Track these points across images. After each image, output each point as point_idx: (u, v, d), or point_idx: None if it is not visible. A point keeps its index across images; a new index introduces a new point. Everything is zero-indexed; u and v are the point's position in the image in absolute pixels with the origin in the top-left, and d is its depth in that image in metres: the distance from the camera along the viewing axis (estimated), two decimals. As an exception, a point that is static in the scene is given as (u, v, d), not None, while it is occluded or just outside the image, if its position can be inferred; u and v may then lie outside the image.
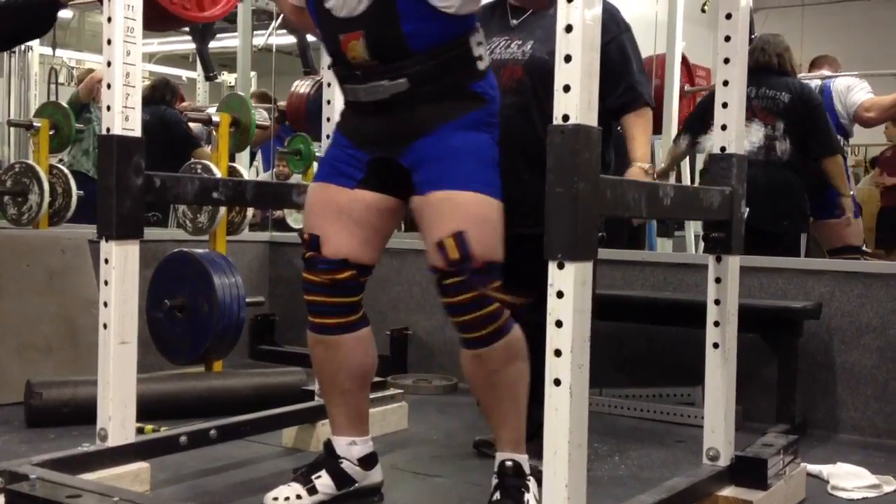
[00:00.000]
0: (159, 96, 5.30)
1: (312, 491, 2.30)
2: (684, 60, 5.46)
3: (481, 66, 2.20)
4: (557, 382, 1.63)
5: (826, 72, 4.75)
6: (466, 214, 2.09)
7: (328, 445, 2.40)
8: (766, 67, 3.92)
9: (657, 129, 5.04)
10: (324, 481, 2.32)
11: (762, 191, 3.51)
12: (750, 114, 3.80)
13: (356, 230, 2.26)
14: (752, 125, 3.91)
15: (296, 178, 5.13)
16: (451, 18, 2.13)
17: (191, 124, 5.05)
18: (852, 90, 4.56)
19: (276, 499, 2.27)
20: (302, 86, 5.24)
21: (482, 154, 2.16)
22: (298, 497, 2.28)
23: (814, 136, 3.95)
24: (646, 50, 5.04)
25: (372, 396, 3.01)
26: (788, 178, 3.88)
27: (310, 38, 5.14)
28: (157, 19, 2.88)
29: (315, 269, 2.27)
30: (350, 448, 2.37)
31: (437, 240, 2.10)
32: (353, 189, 2.26)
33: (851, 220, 4.23)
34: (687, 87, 5.51)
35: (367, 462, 2.39)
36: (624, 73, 2.77)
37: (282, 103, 5.57)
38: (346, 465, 2.36)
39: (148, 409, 2.71)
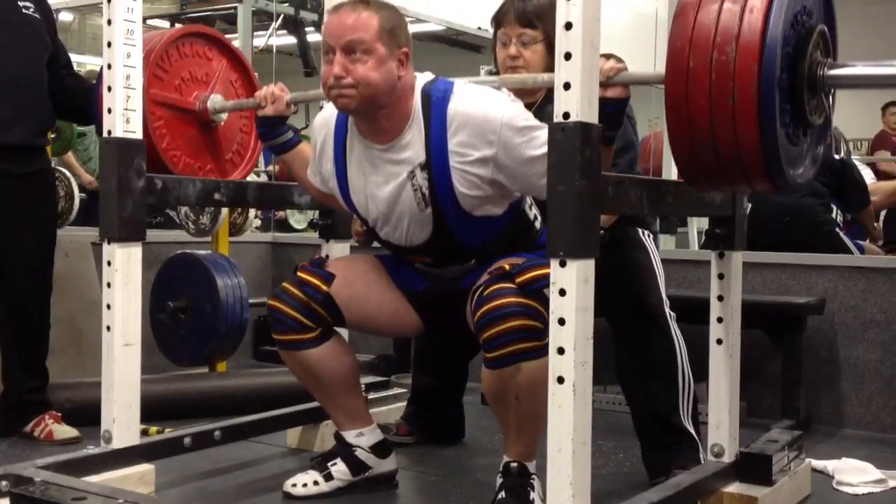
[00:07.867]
0: None
1: (329, 477, 2.39)
2: None
3: (538, 224, 2.30)
4: (561, 380, 1.63)
5: None
6: (522, 258, 2.12)
7: (339, 436, 2.45)
8: None
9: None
10: (339, 468, 2.40)
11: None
12: None
13: (371, 308, 2.35)
14: None
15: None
16: (502, 214, 2.20)
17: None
18: None
19: (294, 485, 2.37)
20: None
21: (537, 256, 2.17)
22: (316, 483, 2.37)
23: (850, 192, 4.19)
24: (647, 45, 5.04)
25: (375, 396, 3.03)
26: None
27: (311, 38, 5.13)
28: None
29: (301, 287, 2.30)
30: (359, 438, 2.43)
31: (492, 268, 2.12)
32: (403, 292, 2.36)
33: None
34: None
35: (380, 450, 2.44)
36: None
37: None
38: (359, 452, 2.42)
39: (152, 411, 2.72)
